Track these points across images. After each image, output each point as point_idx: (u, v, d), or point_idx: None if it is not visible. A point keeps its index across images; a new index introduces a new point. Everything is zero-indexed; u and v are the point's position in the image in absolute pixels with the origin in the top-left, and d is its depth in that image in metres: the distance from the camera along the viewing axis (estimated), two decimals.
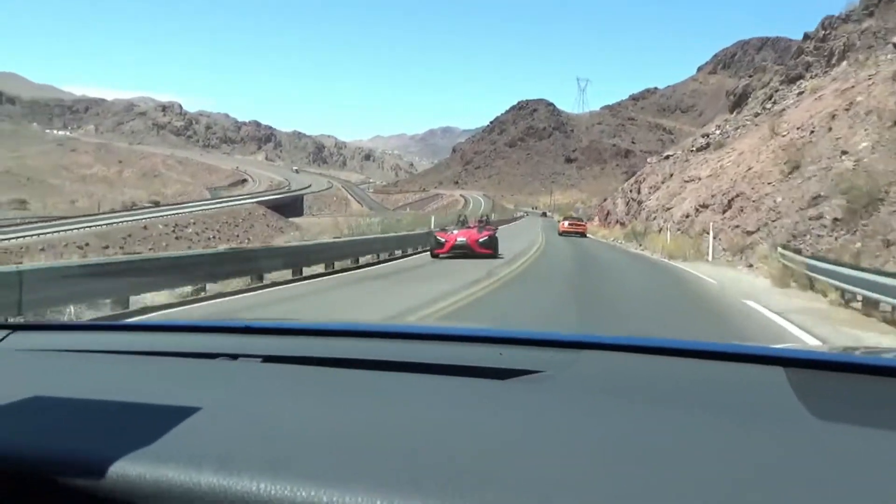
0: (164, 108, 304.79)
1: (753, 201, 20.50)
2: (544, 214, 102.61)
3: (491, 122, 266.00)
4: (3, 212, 69.44)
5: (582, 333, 1.72)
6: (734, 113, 45.62)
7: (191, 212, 65.26)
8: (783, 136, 23.32)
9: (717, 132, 40.32)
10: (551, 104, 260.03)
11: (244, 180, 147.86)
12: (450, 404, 1.06)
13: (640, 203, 40.52)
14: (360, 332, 1.72)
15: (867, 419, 0.98)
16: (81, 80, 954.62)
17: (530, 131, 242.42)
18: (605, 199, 63.81)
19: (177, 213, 62.28)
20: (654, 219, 33.71)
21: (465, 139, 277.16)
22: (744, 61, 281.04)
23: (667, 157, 44.66)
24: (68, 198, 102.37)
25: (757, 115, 37.17)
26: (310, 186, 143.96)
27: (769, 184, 20.16)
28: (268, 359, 1.39)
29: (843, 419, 0.96)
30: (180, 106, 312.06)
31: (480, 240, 18.98)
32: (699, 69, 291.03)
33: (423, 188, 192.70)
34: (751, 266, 18.01)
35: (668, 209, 31.76)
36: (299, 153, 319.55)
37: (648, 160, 53.05)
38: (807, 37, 43.78)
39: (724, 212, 23.10)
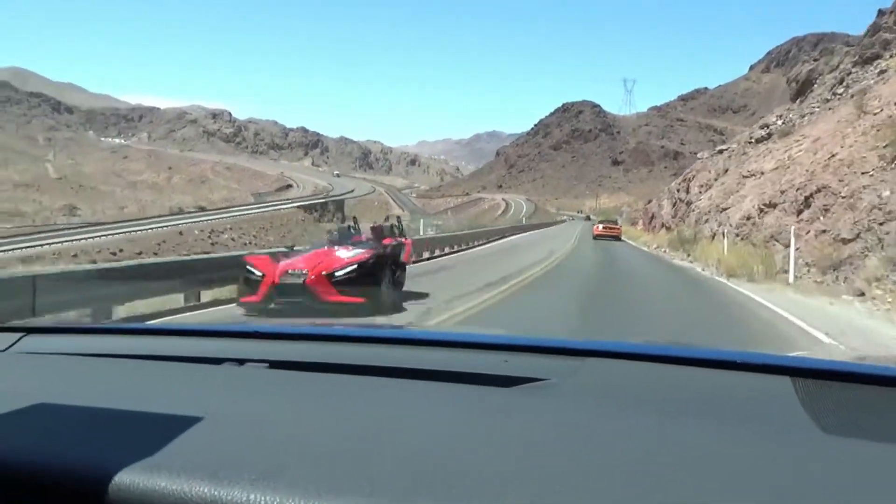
0: (214, 115, 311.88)
1: (844, 197, 15.58)
2: (588, 218, 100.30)
3: (535, 125, 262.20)
4: (53, 218, 69.71)
5: (587, 340, 1.75)
6: (797, 102, 39.95)
7: (231, 217, 65.43)
8: (876, 113, 18.35)
9: (779, 122, 34.86)
10: (597, 106, 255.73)
11: (289, 185, 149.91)
12: (453, 412, 1.06)
13: (688, 204, 35.74)
14: (367, 338, 1.72)
15: (873, 433, 0.97)
16: (137, 90, 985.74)
17: (575, 134, 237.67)
18: (649, 201, 59.30)
19: (216, 219, 62.03)
20: (706, 221, 28.75)
21: (510, 142, 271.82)
22: (799, 58, 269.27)
23: (720, 152, 39.13)
24: (118, 204, 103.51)
25: (827, 100, 31.75)
26: (353, 191, 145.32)
27: (865, 174, 15.28)
28: (274, 364, 1.38)
29: (849, 433, 0.95)
30: (230, 113, 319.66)
31: (342, 271, 9.23)
32: (751, 68, 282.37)
33: (465, 192, 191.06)
34: (861, 295, 11.96)
35: (724, 210, 26.52)
36: (345, 159, 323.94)
37: (699, 155, 47.19)
38: (882, 13, 38.09)
39: (800, 212, 18.10)
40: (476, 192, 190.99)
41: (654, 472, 0.81)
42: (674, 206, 40.74)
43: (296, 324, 2.32)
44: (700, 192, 34.42)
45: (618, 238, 41.37)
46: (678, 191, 40.99)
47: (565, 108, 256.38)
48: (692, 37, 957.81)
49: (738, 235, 22.37)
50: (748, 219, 22.65)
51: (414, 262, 16.17)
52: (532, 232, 53.18)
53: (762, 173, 24.95)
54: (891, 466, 0.85)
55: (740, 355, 1.38)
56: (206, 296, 10.67)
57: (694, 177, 38.74)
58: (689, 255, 25.16)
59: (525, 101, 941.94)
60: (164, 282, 10.02)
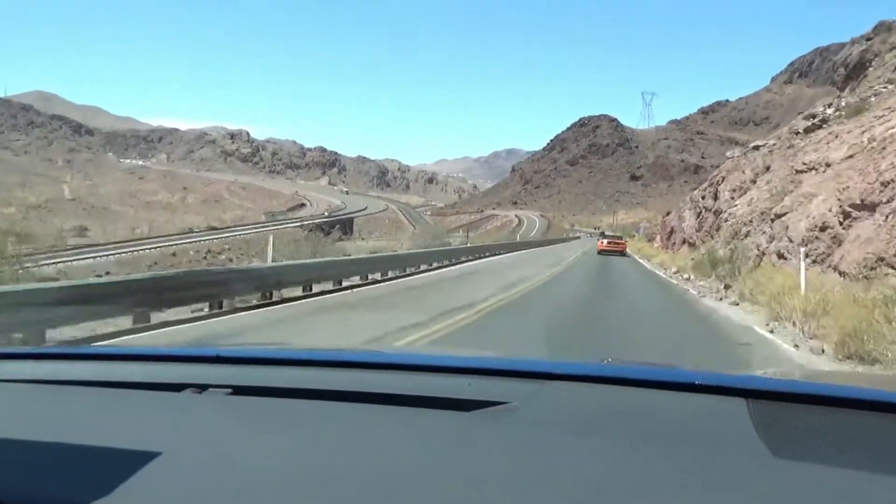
0: (233, 135, 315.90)
1: None
2: (603, 234, 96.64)
3: (551, 140, 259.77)
4: (61, 239, 71.32)
5: (550, 362, 1.74)
6: (847, 89, 35.63)
7: (237, 235, 66.71)
8: None
9: (830, 110, 29.90)
10: (614, 119, 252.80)
11: (303, 204, 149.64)
12: (414, 438, 1.06)
13: (717, 213, 29.36)
14: (331, 362, 1.71)
15: (820, 456, 0.98)
16: (160, 113, 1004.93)
17: (592, 148, 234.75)
18: (667, 214, 53.02)
19: (219, 237, 62.73)
20: (747, 235, 21.76)
21: (526, 158, 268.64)
22: (823, 69, 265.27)
23: (755, 148, 33.89)
24: (130, 224, 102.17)
25: (890, 81, 27.56)
26: (365, 209, 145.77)
27: None
28: (238, 390, 1.36)
29: (798, 456, 0.96)
30: (248, 133, 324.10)
31: None
32: (773, 79, 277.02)
33: (479, 209, 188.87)
34: None
35: (777, 217, 19.35)
36: (362, 177, 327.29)
37: (728, 154, 42.16)
38: None
39: None
40: (491, 208, 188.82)
41: (606, 497, 0.81)
42: (698, 216, 34.29)
43: (260, 347, 2.26)
44: (734, 197, 27.61)
45: (623, 253, 41.92)
46: (703, 198, 34.65)
47: (582, 123, 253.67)
48: (713, 49, 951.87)
49: (809, 257, 14.09)
50: (824, 229, 15.32)
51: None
52: (536, 249, 51.52)
53: (828, 165, 18.59)
54: (834, 491, 0.85)
55: (699, 377, 1.38)
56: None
57: (724, 179, 31.90)
58: (727, 288, 16.91)
59: (543, 117, 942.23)
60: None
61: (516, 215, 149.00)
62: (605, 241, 44.55)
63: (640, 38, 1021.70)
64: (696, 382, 1.33)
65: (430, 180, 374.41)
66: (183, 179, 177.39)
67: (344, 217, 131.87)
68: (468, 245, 43.88)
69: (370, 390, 1.33)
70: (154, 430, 1.10)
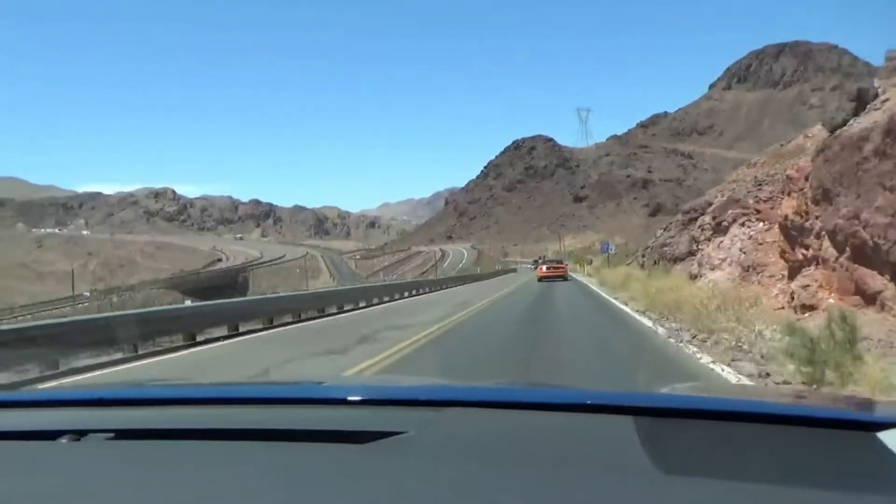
0: (157, 195, 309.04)
1: None
2: (539, 261, 78.94)
3: (485, 167, 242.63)
4: None
5: (444, 387, 1.73)
6: None
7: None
8: None
9: None
10: (550, 139, 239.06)
11: (219, 259, 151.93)
12: (306, 474, 1.05)
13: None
14: (220, 399, 1.65)
15: (706, 469, 1.00)
16: (87, 179, 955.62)
17: (529, 171, 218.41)
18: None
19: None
20: None
21: (460, 189, 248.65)
22: (761, 71, 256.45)
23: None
24: (8, 297, 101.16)
25: None
26: (283, 257, 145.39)
27: None
28: (120, 433, 1.29)
29: (684, 470, 0.98)
30: (173, 192, 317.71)
31: None
32: (711, 86, 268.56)
33: (407, 248, 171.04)
34: None
35: None
36: (300, 227, 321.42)
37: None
38: None
39: None
40: (424, 244, 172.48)
41: None
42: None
43: (146, 386, 2.19)
44: None
45: (564, 278, 41.30)
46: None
47: (516, 146, 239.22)
48: (644, 61, 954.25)
49: None
50: None
51: None
52: (440, 292, 34.72)
53: None
54: (721, 502, 0.85)
55: (590, 396, 1.41)
56: None
57: None
58: None
59: (478, 147, 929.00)
60: None
61: (440, 249, 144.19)
62: (545, 267, 44.53)
63: (570, 54, 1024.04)
64: (588, 402, 1.34)
65: (372, 224, 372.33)
66: (89, 245, 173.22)
67: (233, 268, 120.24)
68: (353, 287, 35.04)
69: (262, 427, 1.30)
70: (24, 486, 1.03)
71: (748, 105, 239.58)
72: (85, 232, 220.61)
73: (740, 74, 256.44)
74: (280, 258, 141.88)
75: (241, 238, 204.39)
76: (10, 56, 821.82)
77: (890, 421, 1.14)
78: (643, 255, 30.64)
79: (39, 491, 0.98)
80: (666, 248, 24.16)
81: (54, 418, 1.47)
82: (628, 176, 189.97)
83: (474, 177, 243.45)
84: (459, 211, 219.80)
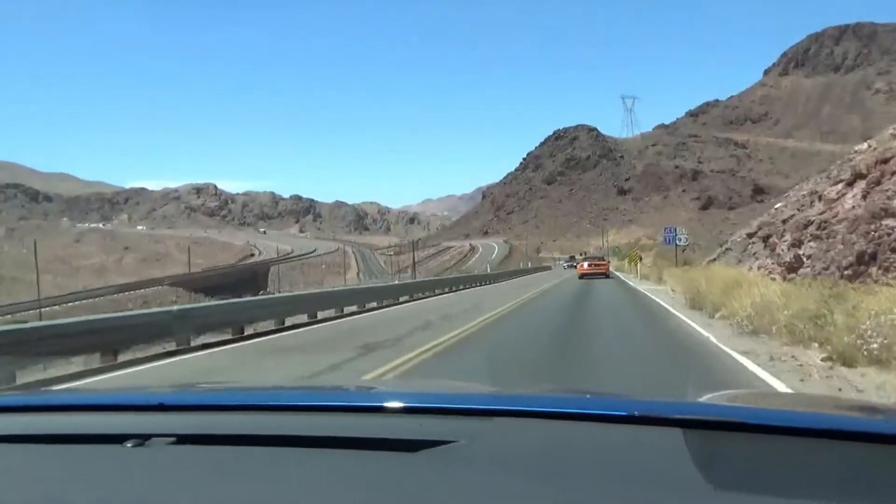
0: (199, 190, 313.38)
1: None
2: (572, 261, 75.50)
3: (524, 159, 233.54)
4: None
5: (493, 395, 1.76)
6: None
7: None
8: None
9: None
10: (594, 129, 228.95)
11: (252, 254, 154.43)
12: (362, 482, 1.07)
13: None
14: (278, 407, 1.67)
15: (760, 486, 0.98)
16: (133, 177, 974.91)
17: (571, 163, 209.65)
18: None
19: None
20: None
21: (498, 182, 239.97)
22: (821, 55, 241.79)
23: None
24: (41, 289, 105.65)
25: None
26: (314, 251, 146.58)
27: None
28: (182, 439, 1.32)
29: (736, 486, 0.96)
30: (215, 187, 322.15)
31: None
32: (766, 72, 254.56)
33: (438, 243, 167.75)
34: None
35: None
36: (339, 222, 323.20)
37: None
38: None
39: None
40: (457, 240, 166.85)
41: None
42: None
43: (206, 391, 2.22)
44: None
45: (606, 275, 40.06)
46: None
47: (557, 136, 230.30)
48: (694, 46, 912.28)
49: None
50: None
51: None
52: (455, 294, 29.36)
53: None
54: None
55: (639, 406, 1.40)
56: None
57: None
58: None
59: (518, 141, 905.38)
60: None
61: (471, 244, 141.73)
62: (587, 263, 42.54)
63: (614, 38, 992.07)
64: (636, 414, 1.34)
65: (412, 220, 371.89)
66: (126, 239, 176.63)
67: (253, 265, 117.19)
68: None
69: (318, 434, 1.32)
70: (93, 487, 1.05)
71: (807, 91, 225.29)
72: (114, 225, 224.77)
73: (798, 59, 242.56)
74: (310, 252, 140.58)
75: (264, 232, 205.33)
76: (69, 57, 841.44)
77: None
78: (727, 249, 21.98)
79: (112, 496, 0.99)
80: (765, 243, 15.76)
81: (118, 422, 1.49)
82: (677, 167, 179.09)
83: (512, 169, 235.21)
84: (497, 205, 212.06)
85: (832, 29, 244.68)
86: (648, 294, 22.64)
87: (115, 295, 74.16)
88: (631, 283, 31.63)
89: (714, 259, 24.13)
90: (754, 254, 19.12)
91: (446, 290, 30.86)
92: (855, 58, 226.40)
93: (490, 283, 40.02)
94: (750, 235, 20.19)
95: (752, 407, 1.62)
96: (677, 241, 33.45)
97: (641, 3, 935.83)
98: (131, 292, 76.38)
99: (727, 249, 22.51)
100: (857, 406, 2.13)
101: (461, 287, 33.72)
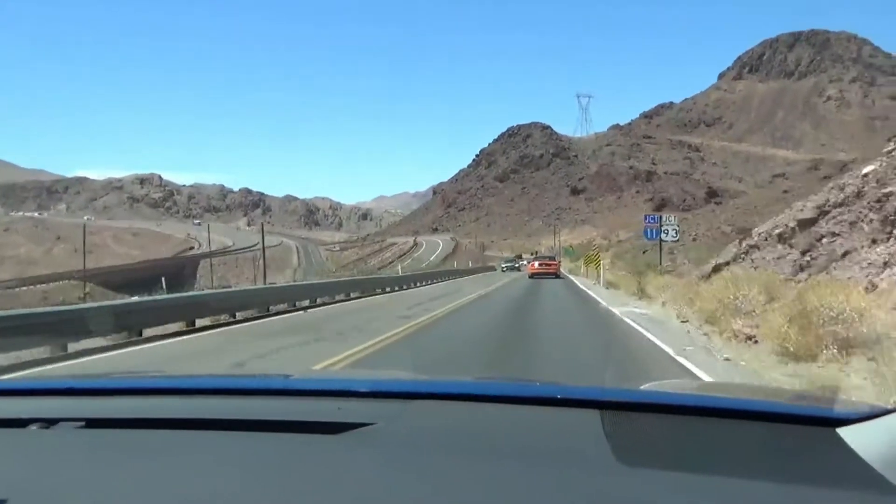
0: (143, 181, 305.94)
1: None
2: (516, 261, 68.84)
3: (476, 155, 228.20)
4: None
5: (413, 380, 1.76)
6: None
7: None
8: None
9: None
10: (547, 127, 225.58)
11: (192, 247, 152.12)
12: (278, 463, 1.06)
13: None
14: (192, 390, 1.64)
15: (669, 463, 1.01)
16: (76, 165, 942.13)
17: (524, 161, 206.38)
18: None
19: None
20: None
21: (450, 178, 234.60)
22: (774, 61, 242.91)
23: None
24: None
25: None
26: (255, 245, 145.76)
27: None
28: (91, 423, 1.29)
29: (646, 463, 0.99)
30: (160, 178, 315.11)
31: None
32: (721, 76, 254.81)
33: (382, 240, 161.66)
34: None
35: None
36: (289, 217, 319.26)
37: None
38: None
39: None
40: (404, 236, 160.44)
41: None
42: None
43: (117, 376, 2.15)
44: None
45: (556, 275, 39.67)
46: None
47: (511, 134, 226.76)
48: (650, 49, 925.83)
49: None
50: None
51: None
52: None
53: None
54: (682, 495, 0.87)
55: (559, 390, 1.42)
56: None
57: None
58: None
59: (472, 139, 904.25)
60: None
61: (416, 240, 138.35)
62: (537, 263, 42.33)
63: (571, 38, 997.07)
64: (558, 396, 1.35)
65: (364, 216, 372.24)
66: (59, 229, 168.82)
67: (182, 259, 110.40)
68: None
69: (233, 417, 1.31)
70: None
71: (760, 96, 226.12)
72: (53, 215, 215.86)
73: (752, 64, 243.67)
74: (251, 247, 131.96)
75: (198, 224, 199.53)
76: (13, 40, 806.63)
77: (848, 417, 1.16)
78: (749, 248, 16.11)
79: (10, 477, 0.98)
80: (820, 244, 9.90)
81: (24, 406, 1.46)
82: (631, 168, 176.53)
83: (465, 166, 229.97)
84: (448, 202, 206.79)
85: (786, 35, 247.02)
86: (617, 313, 14.32)
87: (16, 289, 69.53)
88: (592, 296, 21.63)
89: (726, 263, 17.14)
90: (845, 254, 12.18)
91: (316, 300, 20.38)
92: (808, 64, 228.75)
93: (397, 290, 29.15)
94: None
95: (664, 391, 1.66)
96: (663, 236, 24.60)
97: (598, 1, 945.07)
98: (32, 287, 71.38)
99: (750, 248, 16.14)
100: (764, 391, 2.05)
101: (351, 296, 23.37)
